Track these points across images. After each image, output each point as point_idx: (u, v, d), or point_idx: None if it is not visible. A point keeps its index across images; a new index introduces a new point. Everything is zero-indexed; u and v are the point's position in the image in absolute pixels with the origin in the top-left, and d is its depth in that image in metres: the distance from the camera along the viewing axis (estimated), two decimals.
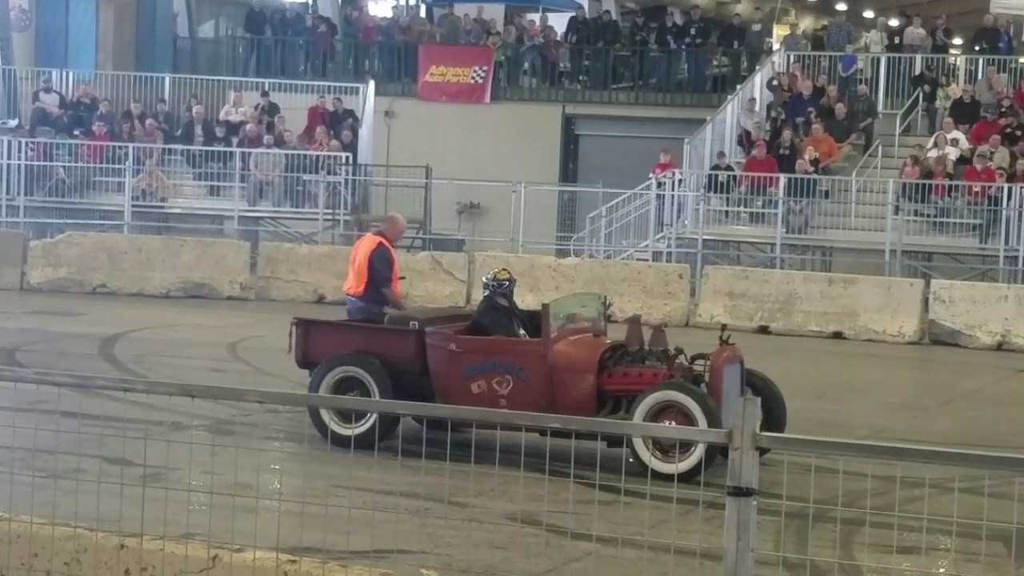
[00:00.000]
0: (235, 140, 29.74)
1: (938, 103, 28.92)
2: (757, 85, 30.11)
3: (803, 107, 28.73)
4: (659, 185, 27.56)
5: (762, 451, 10.77)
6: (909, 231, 25.70)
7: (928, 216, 26.00)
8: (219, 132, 30.04)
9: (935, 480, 9.88)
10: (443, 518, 9.58)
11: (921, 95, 29.20)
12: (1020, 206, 25.07)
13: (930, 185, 25.98)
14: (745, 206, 27.09)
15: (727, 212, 27.33)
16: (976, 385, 18.22)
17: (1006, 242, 25.05)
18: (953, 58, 29.99)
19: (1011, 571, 8.80)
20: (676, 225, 27.35)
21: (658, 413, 11.28)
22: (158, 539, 5.76)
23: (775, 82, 29.85)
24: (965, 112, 27.90)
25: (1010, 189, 25.22)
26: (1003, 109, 27.71)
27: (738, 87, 30.39)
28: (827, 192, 26.95)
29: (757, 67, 31.30)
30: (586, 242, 28.14)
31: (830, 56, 30.89)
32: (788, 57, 30.80)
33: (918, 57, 29.95)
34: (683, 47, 33.55)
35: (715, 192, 27.23)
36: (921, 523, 8.13)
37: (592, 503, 9.14)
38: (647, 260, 26.15)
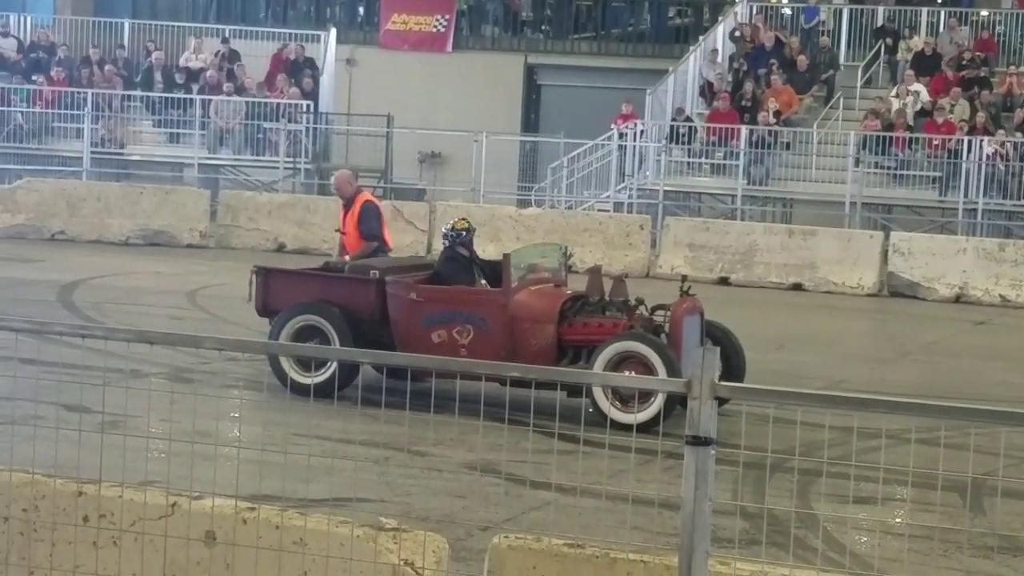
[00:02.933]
0: (195, 87, 29.51)
1: (900, 55, 28.97)
2: (719, 36, 30.08)
3: (765, 58, 28.72)
4: (621, 136, 27.54)
5: (721, 401, 10.86)
6: (869, 183, 25.80)
7: (888, 168, 26.10)
8: (179, 79, 29.80)
9: (891, 431, 9.93)
10: (402, 466, 9.60)
11: (883, 47, 29.23)
12: (979, 159, 25.19)
13: (890, 137, 26.07)
14: (706, 157, 27.12)
15: (688, 163, 27.35)
16: (934, 337, 18.35)
17: (965, 195, 25.18)
18: (915, 10, 29.99)
19: (966, 520, 8.88)
20: (637, 176, 27.36)
21: (618, 363, 11.31)
22: (116, 485, 5.74)
23: (737, 33, 29.82)
24: (926, 64, 27.96)
25: (970, 142, 25.33)
26: (964, 62, 27.79)
27: (700, 38, 30.35)
28: (788, 144, 27.00)
29: (720, 18, 31.25)
30: (547, 192, 28.12)
31: (793, 7, 30.87)
32: (751, 8, 30.75)
33: (880, 9, 29.96)
34: None
35: (676, 143, 27.24)
36: (877, 473, 8.21)
37: (551, 452, 9.17)
38: (608, 211, 26.16)
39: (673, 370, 10.96)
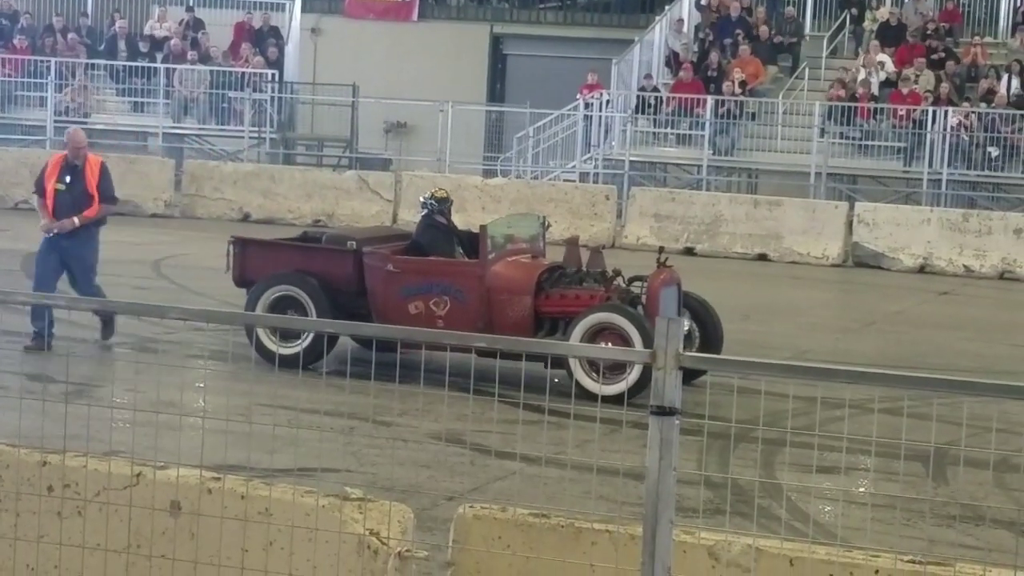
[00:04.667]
0: (159, 56, 29.31)
1: (865, 25, 29.02)
2: (685, 6, 30.04)
3: (731, 28, 28.72)
4: (586, 106, 27.51)
5: (698, 373, 10.82)
6: (834, 154, 25.86)
7: (853, 139, 26.17)
8: (143, 47, 29.59)
9: (855, 401, 10.02)
10: (368, 436, 9.60)
11: (848, 17, 29.26)
12: (944, 130, 25.29)
13: (855, 108, 26.14)
14: (672, 127, 27.12)
15: (654, 134, 27.35)
16: (898, 307, 18.45)
17: (930, 165, 25.29)
18: None
19: (928, 490, 8.96)
20: (603, 146, 27.36)
21: (595, 335, 11.32)
22: (81, 455, 5.73)
23: (703, 3, 29.79)
24: (891, 35, 28.02)
25: (934, 112, 25.42)
26: (929, 32, 27.86)
27: (666, 8, 30.29)
28: (753, 114, 27.03)
29: None
30: (513, 162, 28.09)
31: None
32: None
33: None
34: None
35: (642, 113, 27.24)
36: (841, 443, 8.26)
37: (517, 423, 9.19)
38: (574, 181, 26.16)
39: (650, 341, 10.95)
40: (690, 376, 10.36)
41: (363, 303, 12.19)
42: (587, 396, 10.51)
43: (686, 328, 11.88)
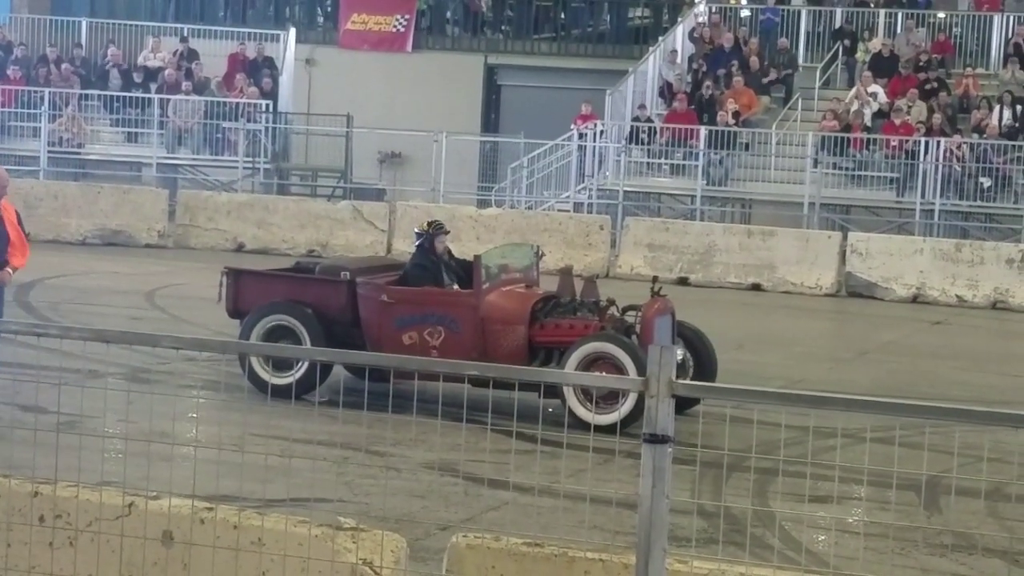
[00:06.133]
0: (153, 86, 29.37)
1: (858, 56, 29.12)
2: (679, 37, 30.16)
3: (724, 59, 28.82)
4: (580, 136, 27.58)
5: (692, 402, 10.79)
6: (827, 184, 25.93)
7: (846, 169, 26.24)
8: (137, 78, 29.64)
9: (848, 430, 10.03)
10: (361, 465, 9.59)
11: (841, 48, 29.38)
12: (936, 160, 25.36)
13: (848, 138, 26.21)
14: (666, 158, 27.18)
15: (648, 164, 27.41)
16: (891, 337, 18.46)
17: (922, 196, 25.34)
18: (873, 12, 30.15)
19: (922, 519, 8.95)
20: (597, 176, 27.41)
21: (590, 364, 11.30)
22: (72, 486, 5.71)
23: (696, 34, 29.91)
24: (884, 66, 28.12)
25: (927, 143, 25.48)
26: (921, 63, 27.97)
27: (660, 39, 30.43)
28: (747, 144, 27.10)
29: (679, 19, 31.36)
30: (507, 192, 28.13)
31: (752, 8, 30.99)
32: (709, 8, 30.86)
33: (838, 11, 30.11)
34: None
35: (636, 144, 27.30)
36: (834, 472, 8.26)
37: (510, 452, 9.18)
38: (568, 211, 26.20)
39: (644, 371, 10.91)
40: (684, 405, 10.33)
41: (357, 333, 12.18)
42: (581, 425, 10.50)
43: (680, 357, 11.89)
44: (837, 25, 29.83)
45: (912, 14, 29.65)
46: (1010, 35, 28.58)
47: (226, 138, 28.58)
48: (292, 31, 31.32)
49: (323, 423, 10.19)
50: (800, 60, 29.68)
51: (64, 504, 5.69)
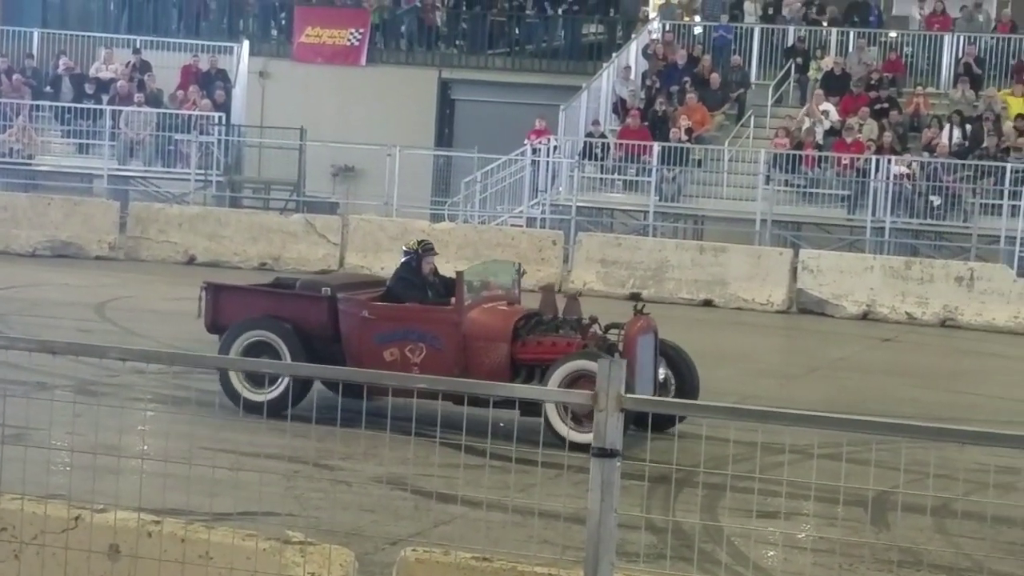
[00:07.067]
0: (105, 97, 29.20)
1: (810, 74, 29.32)
2: (632, 53, 30.28)
3: (677, 76, 28.95)
4: (534, 151, 27.62)
5: (671, 423, 10.59)
6: (779, 201, 26.07)
7: (798, 186, 26.39)
8: (89, 89, 29.47)
9: (796, 446, 10.07)
10: (310, 479, 9.55)
11: (793, 67, 29.57)
12: (887, 178, 25.55)
13: (800, 156, 26.37)
14: (619, 174, 27.26)
15: (601, 179, 27.48)
16: (841, 354, 18.56)
17: (873, 213, 25.52)
18: (825, 30, 30.37)
19: (869, 535, 8.99)
20: (550, 192, 27.45)
21: (572, 382, 11.19)
22: (18, 498, 5.66)
23: (650, 50, 30.04)
24: (836, 84, 28.33)
25: (877, 161, 25.68)
26: (872, 82, 28.19)
27: (613, 55, 30.53)
28: (700, 161, 27.21)
29: (633, 35, 31.47)
30: (461, 207, 28.13)
31: (705, 25, 31.15)
32: (663, 25, 31.00)
33: (791, 29, 30.31)
34: (560, 13, 33.59)
35: (589, 159, 27.38)
36: (783, 488, 8.30)
37: (459, 467, 9.16)
38: (521, 226, 26.21)
39: (628, 390, 10.82)
40: (664, 425, 10.35)
41: (338, 350, 12.08)
42: (562, 443, 10.43)
43: (662, 376, 11.89)
44: (789, 43, 30.03)
45: (864, 33, 29.89)
46: (960, 55, 28.86)
47: (178, 150, 28.46)
48: (246, 44, 31.24)
49: (272, 436, 10.14)
50: (753, 78, 29.85)
51: (9, 517, 5.64)
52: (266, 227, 25.03)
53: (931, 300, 22.14)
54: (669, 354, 12.16)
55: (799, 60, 29.61)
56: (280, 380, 11.47)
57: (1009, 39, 28.96)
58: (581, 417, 10.81)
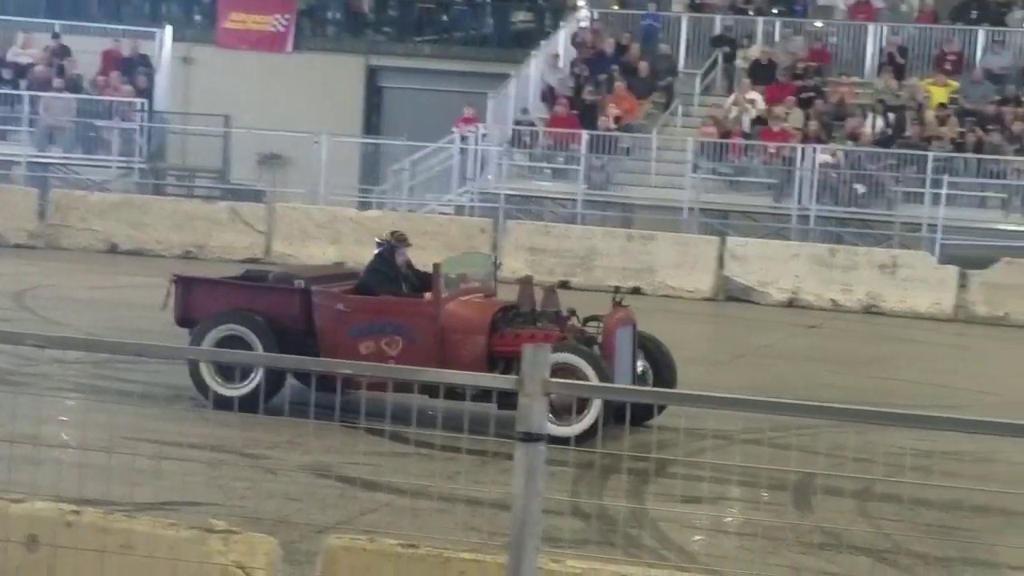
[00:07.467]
0: (23, 83, 28.79)
1: (737, 63, 29.45)
2: (561, 41, 30.26)
3: (606, 64, 28.98)
4: (463, 139, 27.55)
5: (648, 416, 10.41)
6: (706, 189, 26.18)
7: (725, 175, 26.52)
8: (6, 74, 29.04)
9: (720, 431, 10.11)
10: (235, 468, 9.46)
11: (721, 56, 29.69)
12: (812, 167, 25.72)
13: (727, 144, 26.50)
14: (547, 162, 27.27)
15: (530, 167, 27.47)
16: (767, 340, 18.68)
17: (799, 201, 25.68)
18: (752, 20, 30.50)
19: (792, 516, 9.05)
20: (479, 180, 27.40)
21: (552, 376, 11.01)
22: None
23: (579, 39, 30.04)
24: (762, 73, 28.46)
25: (803, 150, 25.86)
26: (798, 71, 28.36)
27: (542, 43, 30.49)
28: (628, 149, 27.26)
29: (561, 23, 31.45)
30: (389, 195, 28.01)
31: (633, 14, 31.19)
32: (592, 14, 30.99)
33: (718, 18, 30.42)
34: (488, 1, 33.51)
35: (518, 147, 27.35)
36: (708, 472, 8.32)
37: (384, 454, 9.12)
38: (450, 214, 26.16)
39: (608, 381, 10.75)
40: (643, 417, 10.27)
41: (311, 343, 11.90)
42: (551, 440, 10.32)
43: (640, 369, 11.84)
44: (717, 32, 30.13)
45: (790, 23, 30.06)
46: (884, 44, 29.09)
47: (100, 137, 28.12)
48: (168, 29, 30.88)
49: (197, 426, 10.06)
50: (680, 66, 29.93)
51: None
52: (190, 215, 24.79)
53: (855, 287, 22.33)
54: (647, 346, 12.14)
55: (726, 49, 29.71)
56: (253, 375, 11.31)
57: (932, 29, 29.23)
58: (561, 411, 10.72)
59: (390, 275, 12.27)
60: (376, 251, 12.55)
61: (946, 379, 16.05)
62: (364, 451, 8.99)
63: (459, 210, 26.78)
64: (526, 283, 12.68)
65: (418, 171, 27.95)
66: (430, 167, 27.91)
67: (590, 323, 12.02)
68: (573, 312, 12.09)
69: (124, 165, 27.83)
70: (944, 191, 24.54)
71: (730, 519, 8.88)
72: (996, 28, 29.13)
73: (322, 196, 26.85)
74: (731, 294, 22.60)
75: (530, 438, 4.58)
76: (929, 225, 24.62)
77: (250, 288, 12.48)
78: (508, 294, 12.66)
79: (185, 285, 12.48)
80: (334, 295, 12.01)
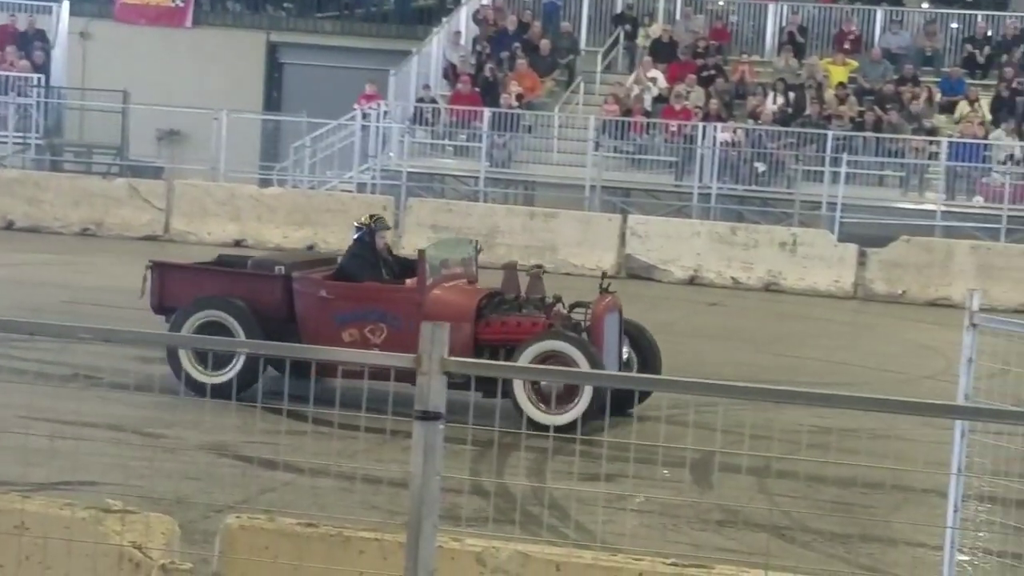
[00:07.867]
0: None
1: (639, 42, 29.59)
2: (463, 19, 30.21)
3: (508, 42, 28.98)
4: (364, 116, 27.43)
5: (629, 403, 10.36)
6: (608, 167, 26.29)
7: (627, 153, 26.66)
8: None
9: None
10: (132, 446, 9.38)
11: (623, 33, 29.81)
12: (713, 145, 25.94)
13: (629, 122, 26.63)
14: (450, 139, 27.24)
15: (432, 145, 27.43)
16: (668, 318, 18.79)
17: (700, 180, 25.89)
18: None
19: (691, 493, 9.14)
20: (381, 157, 27.30)
21: (541, 363, 10.83)
22: None
23: (480, 16, 30.01)
24: (663, 52, 28.64)
25: (704, 128, 26.06)
26: (699, 50, 28.56)
27: (444, 20, 30.43)
28: (530, 127, 27.32)
29: (463, 0, 31.39)
30: (290, 172, 27.83)
31: None
32: None
33: None
34: None
35: (420, 124, 27.29)
36: (607, 451, 8.38)
37: (286, 433, 9.09)
38: (351, 191, 26.04)
39: (597, 367, 10.70)
40: (624, 405, 10.25)
41: (293, 330, 11.71)
42: (539, 428, 10.32)
43: (625, 355, 11.82)
44: (618, 10, 30.25)
45: (691, 1, 30.25)
46: (784, 23, 29.39)
47: None
48: (65, 3, 30.42)
49: (95, 405, 9.94)
50: (582, 44, 30.01)
51: None
52: (88, 192, 24.45)
53: (755, 265, 22.56)
54: (632, 333, 12.09)
55: (628, 27, 29.85)
56: (234, 362, 11.15)
57: (831, 8, 29.58)
58: (549, 398, 10.66)
59: (370, 260, 12.08)
60: (355, 236, 12.29)
61: (845, 356, 16.28)
62: (262, 429, 8.95)
63: (361, 188, 26.66)
64: (511, 269, 12.58)
65: (319, 148, 27.79)
66: (331, 144, 27.76)
67: (576, 309, 11.94)
68: (558, 298, 12.01)
69: (21, 141, 27.39)
70: (843, 170, 24.86)
71: (632, 496, 8.96)
72: (894, 8, 29.57)
73: (222, 173, 26.57)
74: (633, 271, 22.73)
75: (428, 416, 4.58)
76: (829, 203, 24.92)
77: (230, 275, 12.25)
78: (489, 279, 12.54)
79: (162, 272, 12.23)
80: (317, 282, 11.81)
